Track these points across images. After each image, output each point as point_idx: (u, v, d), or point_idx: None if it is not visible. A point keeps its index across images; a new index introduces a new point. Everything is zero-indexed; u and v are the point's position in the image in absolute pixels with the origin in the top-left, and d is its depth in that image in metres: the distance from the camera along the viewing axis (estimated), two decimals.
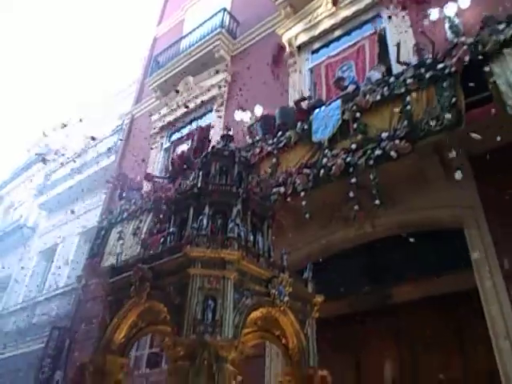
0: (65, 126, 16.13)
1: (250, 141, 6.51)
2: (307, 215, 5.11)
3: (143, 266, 2.65)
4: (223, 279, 2.46)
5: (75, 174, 12.63)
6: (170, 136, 9.95)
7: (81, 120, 14.84)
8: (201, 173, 3.33)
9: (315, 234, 5.51)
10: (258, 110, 7.37)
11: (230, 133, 3.71)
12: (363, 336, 4.97)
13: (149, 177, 8.14)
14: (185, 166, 7.44)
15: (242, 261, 2.57)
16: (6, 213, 17.10)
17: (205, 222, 2.74)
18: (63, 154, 14.91)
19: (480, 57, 4.47)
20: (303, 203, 5.13)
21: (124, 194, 8.43)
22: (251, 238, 2.99)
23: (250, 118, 7.30)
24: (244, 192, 3.10)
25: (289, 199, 5.33)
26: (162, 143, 10.00)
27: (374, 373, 4.70)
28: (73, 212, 10.21)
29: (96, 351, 2.74)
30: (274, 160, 5.86)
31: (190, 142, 8.57)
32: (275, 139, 5.99)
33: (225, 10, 9.68)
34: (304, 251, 5.61)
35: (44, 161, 12.79)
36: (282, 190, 5.43)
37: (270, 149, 5.99)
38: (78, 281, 8.61)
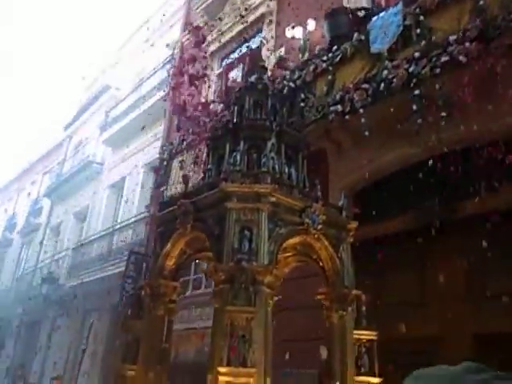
0: (116, 63, 16.29)
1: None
2: (367, 133, 4.91)
3: (186, 200, 2.85)
4: (257, 211, 2.62)
5: (133, 109, 12.92)
6: (222, 61, 9.72)
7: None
8: (236, 108, 3.33)
9: (376, 152, 5.32)
10: (311, 25, 6.92)
11: (264, 64, 3.62)
12: (429, 251, 4.91)
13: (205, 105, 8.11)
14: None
15: (275, 193, 2.69)
16: (75, 151, 18.14)
17: (238, 157, 2.85)
18: (117, 88, 15.23)
19: None
20: (362, 120, 4.92)
21: (181, 124, 8.53)
22: (286, 170, 3.05)
23: (303, 35, 6.90)
24: (278, 125, 3.11)
25: (347, 117, 5.12)
26: (212, 69, 9.81)
27: (439, 288, 4.68)
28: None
29: (151, 276, 3.06)
30: (330, 77, 5.57)
31: (241, 65, 8.33)
32: (330, 54, 5.65)
33: None
34: (365, 170, 5.47)
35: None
36: (340, 108, 5.21)
37: (324, 65, 5.69)
38: (147, 210, 9.13)
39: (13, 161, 25.54)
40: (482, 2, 4.28)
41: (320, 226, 2.84)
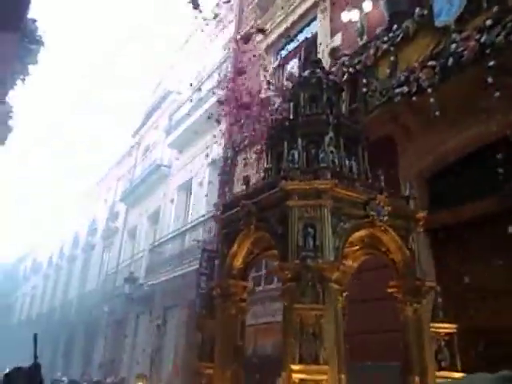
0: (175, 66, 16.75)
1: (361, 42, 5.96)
2: (437, 113, 4.61)
3: (248, 201, 2.88)
4: (319, 208, 2.59)
5: (194, 110, 13.23)
6: (278, 54, 9.65)
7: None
8: (291, 104, 3.30)
9: (449, 134, 4.98)
10: (368, 5, 6.64)
11: (317, 57, 3.55)
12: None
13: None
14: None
15: (336, 188, 2.66)
16: (144, 156, 19.00)
17: (296, 155, 2.82)
18: (179, 93, 15.67)
19: None
20: (431, 100, 4.62)
21: (242, 121, 8.60)
22: (346, 163, 2.99)
23: (359, 17, 6.63)
24: (334, 118, 3.06)
25: (414, 98, 4.84)
26: (270, 63, 9.77)
27: None
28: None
29: (220, 277, 3.13)
30: (393, 58, 5.31)
31: (297, 57, 8.21)
32: (390, 34, 5.38)
33: None
34: (438, 154, 5.17)
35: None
36: (406, 89, 4.94)
37: (385, 46, 5.43)
38: (216, 208, 9.32)
39: (92, 171, 27.36)
40: None
41: (386, 218, 2.78)
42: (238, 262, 3.07)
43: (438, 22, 4.80)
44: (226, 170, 9.09)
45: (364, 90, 5.50)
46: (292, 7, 8.90)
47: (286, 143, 3.02)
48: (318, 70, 3.34)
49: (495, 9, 4.27)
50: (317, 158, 2.85)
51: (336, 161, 2.90)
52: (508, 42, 4.09)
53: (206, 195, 11.41)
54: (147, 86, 19.77)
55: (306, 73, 3.36)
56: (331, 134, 2.98)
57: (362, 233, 2.90)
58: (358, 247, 3.17)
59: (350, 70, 5.83)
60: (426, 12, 4.99)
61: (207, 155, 12.33)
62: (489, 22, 4.27)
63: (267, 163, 3.25)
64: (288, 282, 2.50)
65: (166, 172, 15.55)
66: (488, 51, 4.22)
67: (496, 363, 2.05)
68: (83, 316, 19.82)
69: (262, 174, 3.43)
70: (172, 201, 14.69)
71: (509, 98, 4.31)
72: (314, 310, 2.29)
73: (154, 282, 13.02)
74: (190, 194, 13.61)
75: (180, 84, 16.08)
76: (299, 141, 2.95)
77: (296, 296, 2.37)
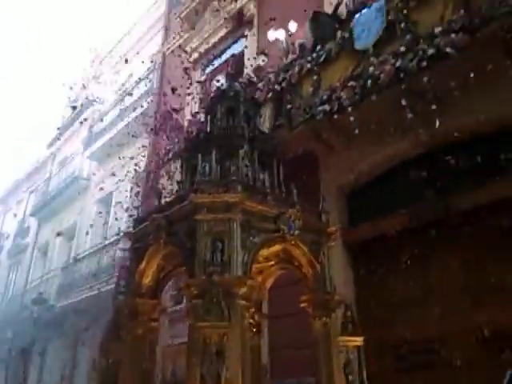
0: (98, 76, 16.13)
1: (286, 61, 6.10)
2: (356, 131, 4.81)
3: (158, 215, 2.81)
4: (228, 221, 2.57)
5: (117, 122, 12.73)
6: (205, 68, 9.61)
7: (117, 73, 14.76)
8: (208, 117, 3.32)
9: (367, 151, 5.22)
10: (293, 27, 6.84)
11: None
12: (427, 247, 4.80)
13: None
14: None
15: (246, 202, 2.64)
16: (61, 168, 17.83)
17: (207, 167, 2.80)
18: (101, 101, 15.04)
19: None
20: (351, 119, 4.82)
21: (166, 134, 8.38)
22: (260, 177, 3.02)
23: (286, 36, 6.80)
24: (250, 132, 3.09)
25: (335, 116, 5.02)
26: (196, 77, 9.69)
27: (440, 283, 4.58)
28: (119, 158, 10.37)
29: (127, 295, 3.02)
30: (316, 77, 5.47)
31: (224, 72, 8.21)
32: (314, 54, 5.56)
33: None
34: (358, 169, 5.38)
35: (74, 108, 13.19)
36: (328, 107, 5.10)
37: (309, 66, 5.59)
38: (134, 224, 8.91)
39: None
40: None
41: (297, 232, 2.80)
42: (148, 279, 2.94)
43: (358, 46, 5.05)
44: (148, 185, 8.75)
45: (288, 106, 5.60)
46: (220, 23, 8.95)
47: (200, 156, 2.99)
48: (237, 84, 3.38)
49: (408, 37, 4.59)
50: (230, 171, 2.83)
51: (249, 174, 2.91)
52: (420, 68, 4.40)
53: (127, 210, 10.90)
54: (63, 95, 18.67)
55: (224, 86, 3.40)
56: (246, 147, 2.99)
57: (277, 247, 2.91)
58: (273, 262, 3.19)
59: (276, 86, 5.92)
60: (346, 35, 5.23)
61: (129, 169, 11.89)
62: (402, 49, 4.56)
63: (181, 176, 3.20)
64: (194, 299, 2.41)
65: (85, 185, 14.69)
66: (402, 75, 4.50)
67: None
68: None
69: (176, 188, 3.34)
70: (90, 216, 13.87)
71: (420, 119, 4.62)
72: (217, 328, 2.23)
73: (67, 302, 12.07)
74: (110, 208, 12.94)
75: (103, 94, 15.45)
76: (213, 154, 2.93)
77: (200, 314, 2.29)
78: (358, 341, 2.96)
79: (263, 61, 7.55)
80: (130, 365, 2.75)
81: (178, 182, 3.20)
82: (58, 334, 12.69)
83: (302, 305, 2.99)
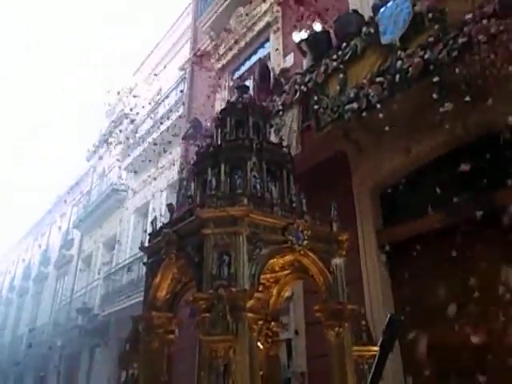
0: (132, 89, 16.56)
1: (309, 63, 6.02)
2: (386, 128, 4.64)
3: (168, 230, 2.86)
4: (235, 235, 2.56)
5: (151, 132, 12.99)
6: (232, 74, 9.64)
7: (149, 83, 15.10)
8: (218, 130, 3.35)
9: (398, 148, 5.02)
10: (317, 27, 6.74)
11: (247, 83, 3.71)
12: (467, 247, 4.54)
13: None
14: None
15: (253, 214, 2.64)
16: (101, 180, 18.39)
17: (214, 181, 2.80)
18: (137, 113, 15.42)
19: None
20: (380, 116, 4.65)
21: (198, 142, 8.44)
22: (268, 188, 2.99)
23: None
24: (258, 143, 3.08)
25: (364, 114, 4.86)
26: (225, 83, 9.74)
27: (483, 284, 4.31)
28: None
29: (143, 309, 3.05)
30: (342, 75, 5.34)
31: (251, 76, 8.21)
32: (339, 52, 5.43)
33: None
34: (387, 169, 5.20)
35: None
36: (355, 105, 4.96)
37: (335, 64, 5.46)
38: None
39: (43, 196, 26.23)
40: None
41: (306, 242, 2.78)
42: (163, 292, 2.97)
43: (384, 40, 4.88)
44: (181, 192, 8.84)
45: (315, 107, 5.49)
46: (245, 29, 8.96)
47: (209, 169, 3.00)
48: (246, 96, 3.37)
49: (437, 27, 4.39)
50: (239, 183, 2.85)
51: (257, 186, 2.90)
52: (451, 59, 4.19)
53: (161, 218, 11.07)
54: (101, 110, 19.30)
55: (233, 98, 3.42)
56: (254, 159, 2.98)
57: (290, 257, 2.90)
58: (289, 271, 3.20)
59: (302, 87, 5.83)
60: (372, 30, 5.07)
61: (165, 177, 12.09)
62: (431, 40, 4.37)
63: (194, 190, 3.23)
64: (202, 312, 2.41)
65: (123, 196, 15.08)
66: (432, 67, 4.30)
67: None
68: (34, 352, 18.58)
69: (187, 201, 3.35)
70: (129, 225, 14.20)
71: (454, 113, 4.39)
72: (223, 342, 2.22)
73: (109, 311, 12.38)
74: (147, 218, 13.19)
75: (136, 107, 15.83)
76: (222, 167, 2.95)
77: (207, 328, 2.29)
78: (374, 350, 2.81)
79: (289, 62, 7.50)
80: (148, 377, 2.77)
81: (187, 197, 3.21)
82: (103, 341, 13.02)
83: (317, 314, 2.96)
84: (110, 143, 17.11)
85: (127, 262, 12.94)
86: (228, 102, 3.60)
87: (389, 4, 5.06)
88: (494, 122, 4.29)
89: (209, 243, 2.52)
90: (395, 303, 5.11)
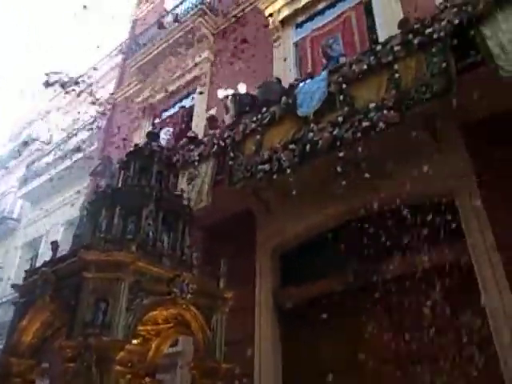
0: (47, 114, 15.73)
1: (229, 120, 6.28)
2: (294, 192, 4.90)
3: (47, 269, 2.71)
4: (116, 281, 2.48)
5: (57, 163, 12.28)
6: (154, 118, 9.63)
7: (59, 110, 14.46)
8: (122, 172, 3.37)
9: (303, 213, 5.31)
10: (242, 88, 7.11)
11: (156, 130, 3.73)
12: (357, 311, 4.79)
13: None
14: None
15: (139, 262, 2.58)
16: None
17: (105, 223, 2.76)
18: (47, 143, 14.56)
19: (470, 19, 4.25)
20: (289, 180, 4.92)
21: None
22: (162, 237, 3.00)
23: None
24: (158, 192, 3.11)
25: (275, 176, 5.11)
26: (144, 127, 9.68)
27: (368, 346, 4.54)
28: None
29: (2, 353, 2.79)
30: (259, 137, 5.62)
31: (172, 124, 8.29)
32: (259, 116, 5.74)
33: None
34: (291, 231, 5.44)
35: (26, 143, 12.76)
36: (268, 167, 5.21)
37: (254, 126, 5.75)
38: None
39: None
40: (396, 76, 4.60)
41: (189, 296, 2.76)
42: (29, 337, 2.72)
43: (300, 112, 5.28)
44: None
45: (230, 162, 5.66)
46: (174, 78, 9.14)
47: (104, 210, 2.93)
48: (155, 144, 3.40)
49: (346, 109, 4.87)
50: (133, 229, 2.80)
51: (150, 234, 2.86)
52: (355, 138, 4.64)
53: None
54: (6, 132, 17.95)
55: (141, 143, 3.43)
56: (151, 206, 2.97)
57: (173, 310, 2.84)
58: (171, 324, 3.11)
59: (220, 142, 6.00)
60: (290, 101, 5.46)
61: (64, 212, 11.32)
62: (340, 119, 4.83)
63: (86, 229, 3.12)
64: (67, 362, 2.24)
65: (14, 226, 13.76)
66: (338, 143, 4.72)
67: None
68: None
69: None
70: (15, 259, 12.87)
71: (354, 187, 4.80)
72: None
73: None
74: (37, 253, 12.10)
75: (46, 134, 14.98)
76: (117, 210, 2.89)
77: (69, 379, 2.15)
78: None
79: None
80: None
81: (75, 236, 3.06)
82: None
83: (193, 371, 2.87)
84: (8, 168, 15.81)
85: (5, 299, 11.58)
86: (135, 146, 3.56)
87: (308, 81, 5.56)
88: (386, 200, 4.74)
89: (87, 287, 2.39)
90: (285, 363, 5.15)
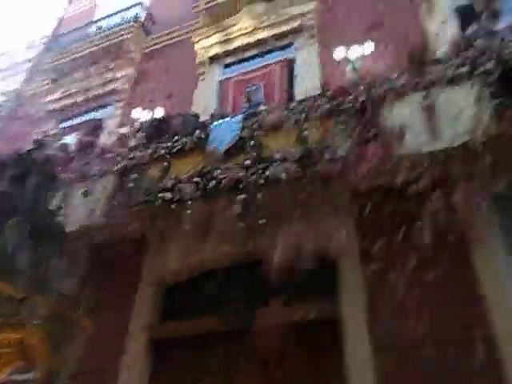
0: None
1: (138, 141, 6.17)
2: (188, 227, 4.88)
3: None
4: None
5: None
6: (61, 122, 9.08)
7: None
8: None
9: (193, 248, 5.23)
10: (159, 112, 7.07)
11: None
12: (234, 355, 4.76)
13: None
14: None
15: None
16: None
17: None
18: None
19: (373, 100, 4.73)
20: (188, 212, 4.90)
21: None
22: (27, 254, 2.81)
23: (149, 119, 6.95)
24: (30, 205, 3.00)
25: (173, 206, 5.05)
26: (51, 129, 9.07)
27: None
28: None
29: None
30: (166, 164, 5.56)
31: (79, 132, 7.89)
32: (169, 143, 5.72)
33: (141, 4, 9.27)
34: (179, 266, 5.38)
35: None
36: (169, 195, 5.14)
37: (163, 152, 5.69)
38: None
39: None
40: (305, 133, 4.91)
41: (39, 321, 2.59)
42: None
43: (209, 149, 5.35)
44: None
45: (131, 184, 5.49)
46: (91, 85, 8.80)
47: None
48: (36, 152, 3.25)
49: (254, 154, 5.05)
50: None
51: (10, 249, 2.67)
52: (257, 184, 4.80)
53: None
54: None
55: (23, 152, 3.22)
56: (19, 218, 2.83)
57: (19, 334, 2.61)
58: (10, 350, 2.81)
59: (125, 161, 5.82)
60: (203, 136, 5.53)
61: None
62: (248, 162, 4.99)
63: None
64: None
65: None
66: (241, 186, 4.84)
67: None
68: None
69: None
70: None
71: (250, 230, 4.90)
72: None
73: None
74: None
75: None
76: None
77: None
78: None
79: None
80: None
81: None
82: None
83: None
84: None
85: None
86: (16, 153, 3.30)
87: (225, 119, 5.69)
88: (276, 248, 4.89)
89: None
90: None
